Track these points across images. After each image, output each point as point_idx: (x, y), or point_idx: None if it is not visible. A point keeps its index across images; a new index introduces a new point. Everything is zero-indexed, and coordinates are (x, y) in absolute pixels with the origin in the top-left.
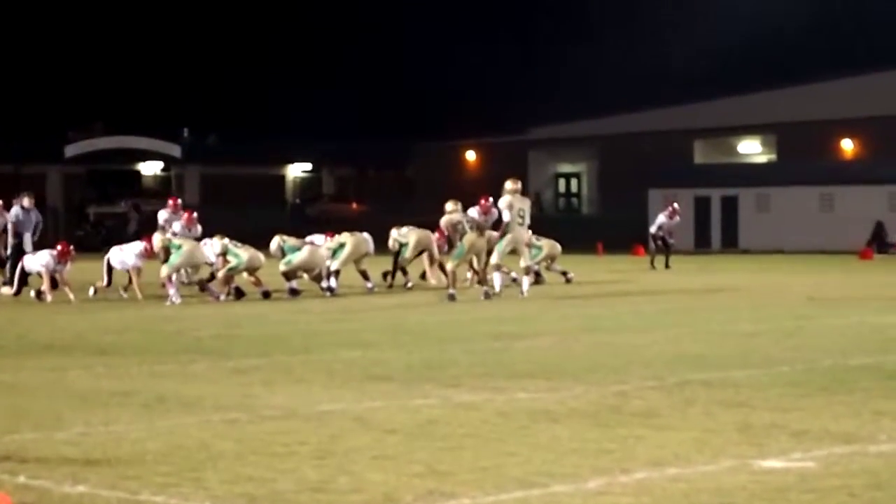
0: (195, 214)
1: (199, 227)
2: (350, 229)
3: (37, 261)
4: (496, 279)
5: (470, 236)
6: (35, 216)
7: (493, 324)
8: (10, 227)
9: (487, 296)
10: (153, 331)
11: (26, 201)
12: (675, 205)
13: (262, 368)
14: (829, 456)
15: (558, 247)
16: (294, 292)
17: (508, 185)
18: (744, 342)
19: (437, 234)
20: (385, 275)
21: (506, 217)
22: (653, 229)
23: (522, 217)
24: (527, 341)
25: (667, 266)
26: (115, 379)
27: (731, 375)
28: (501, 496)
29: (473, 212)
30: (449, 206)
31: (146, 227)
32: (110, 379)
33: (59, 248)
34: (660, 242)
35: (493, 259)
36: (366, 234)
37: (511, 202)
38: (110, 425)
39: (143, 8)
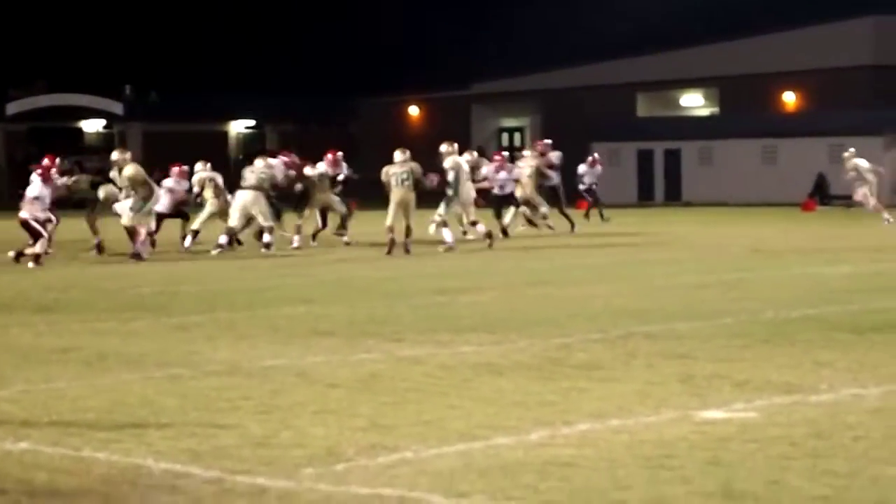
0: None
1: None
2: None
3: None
4: (446, 234)
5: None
6: None
7: (438, 279)
8: None
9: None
10: (95, 288)
11: None
12: (596, 155)
13: (204, 325)
14: (771, 406)
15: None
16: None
17: (445, 147)
18: (687, 295)
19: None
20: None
21: (451, 176)
22: (582, 186)
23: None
24: (471, 295)
25: (602, 218)
26: (56, 336)
27: (673, 327)
28: (444, 449)
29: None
30: (398, 155)
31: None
32: (51, 336)
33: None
34: (589, 196)
35: (438, 216)
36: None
37: (457, 162)
38: (51, 382)
39: None
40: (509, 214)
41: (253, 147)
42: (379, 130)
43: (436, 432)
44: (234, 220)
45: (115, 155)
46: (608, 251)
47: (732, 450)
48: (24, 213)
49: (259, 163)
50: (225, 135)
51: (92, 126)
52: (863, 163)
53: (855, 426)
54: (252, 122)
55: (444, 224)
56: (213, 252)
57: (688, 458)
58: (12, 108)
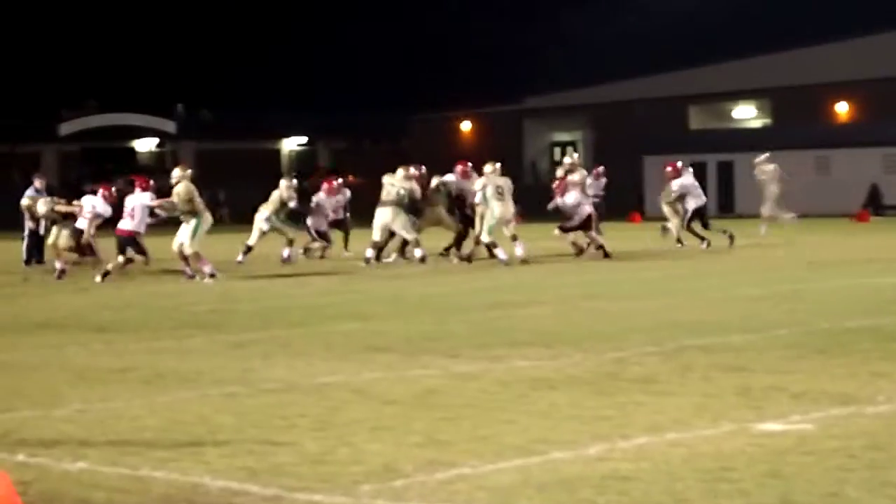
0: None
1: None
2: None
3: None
4: (499, 253)
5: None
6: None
7: (492, 293)
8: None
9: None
10: (151, 307)
11: (38, 182)
12: (601, 168)
13: (260, 342)
14: (828, 418)
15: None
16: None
17: (487, 167)
18: (741, 307)
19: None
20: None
21: (478, 198)
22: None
23: (501, 193)
24: (525, 310)
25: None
26: (112, 355)
27: (729, 340)
28: (501, 464)
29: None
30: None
31: None
32: (108, 355)
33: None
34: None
35: (483, 237)
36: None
37: (485, 182)
38: (109, 402)
39: None
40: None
41: (305, 164)
42: (431, 146)
43: (493, 448)
44: (376, 235)
45: (175, 172)
46: (661, 264)
47: (790, 462)
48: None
49: (400, 173)
50: (277, 152)
51: (144, 145)
52: None
53: None
54: (304, 140)
55: (493, 245)
56: (364, 264)
57: (746, 470)
58: (65, 128)
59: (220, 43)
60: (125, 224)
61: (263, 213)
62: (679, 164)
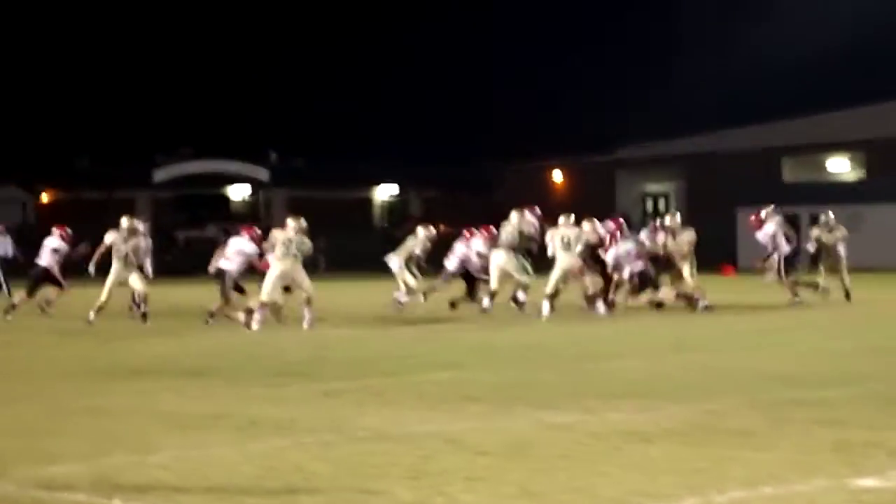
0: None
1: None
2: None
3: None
4: (544, 306)
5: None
6: (147, 241)
7: (582, 344)
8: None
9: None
10: (243, 354)
11: (141, 227)
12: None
13: (352, 391)
14: None
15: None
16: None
17: (560, 219)
18: (836, 360)
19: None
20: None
21: (549, 250)
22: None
23: (568, 244)
24: (616, 361)
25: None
26: (206, 402)
27: (824, 394)
28: None
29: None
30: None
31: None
32: (201, 402)
33: None
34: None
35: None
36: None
37: (552, 234)
38: (203, 448)
39: (231, 32)
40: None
41: (397, 214)
42: (523, 196)
43: (587, 500)
44: (493, 282)
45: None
46: (755, 316)
47: None
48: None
49: (514, 218)
50: (369, 201)
51: (238, 192)
52: None
53: None
54: (396, 188)
55: (551, 297)
56: (483, 309)
57: None
58: (160, 174)
59: (316, 90)
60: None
61: (395, 259)
62: (763, 212)
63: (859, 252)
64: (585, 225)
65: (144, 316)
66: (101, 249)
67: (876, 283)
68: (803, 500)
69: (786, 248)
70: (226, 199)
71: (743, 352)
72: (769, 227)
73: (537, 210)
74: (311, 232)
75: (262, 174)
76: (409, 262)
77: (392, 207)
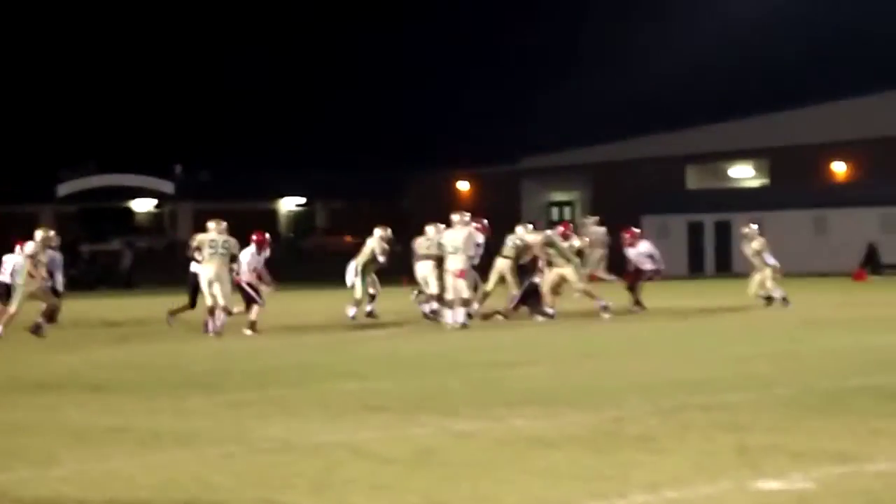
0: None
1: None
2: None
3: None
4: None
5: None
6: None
7: (488, 352)
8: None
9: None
10: (147, 366)
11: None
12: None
13: (256, 402)
14: (827, 476)
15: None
16: None
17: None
18: (740, 365)
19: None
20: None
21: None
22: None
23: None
24: (522, 368)
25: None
26: (109, 415)
27: (727, 398)
28: None
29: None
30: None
31: (139, 264)
32: (105, 415)
33: None
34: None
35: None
36: None
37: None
38: (105, 461)
39: (132, 46)
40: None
41: (303, 224)
42: (429, 206)
43: None
44: (434, 288)
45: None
46: (658, 323)
47: None
48: (243, 278)
49: (520, 230)
50: (275, 212)
51: (142, 206)
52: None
53: None
54: (302, 199)
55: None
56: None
57: None
58: (63, 189)
59: (219, 104)
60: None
61: (351, 268)
62: (637, 231)
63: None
64: (518, 229)
65: (38, 327)
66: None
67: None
68: (706, 503)
69: (650, 266)
70: (130, 213)
71: (646, 357)
72: (644, 247)
73: (485, 222)
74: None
75: (167, 187)
76: (368, 267)
77: (298, 218)
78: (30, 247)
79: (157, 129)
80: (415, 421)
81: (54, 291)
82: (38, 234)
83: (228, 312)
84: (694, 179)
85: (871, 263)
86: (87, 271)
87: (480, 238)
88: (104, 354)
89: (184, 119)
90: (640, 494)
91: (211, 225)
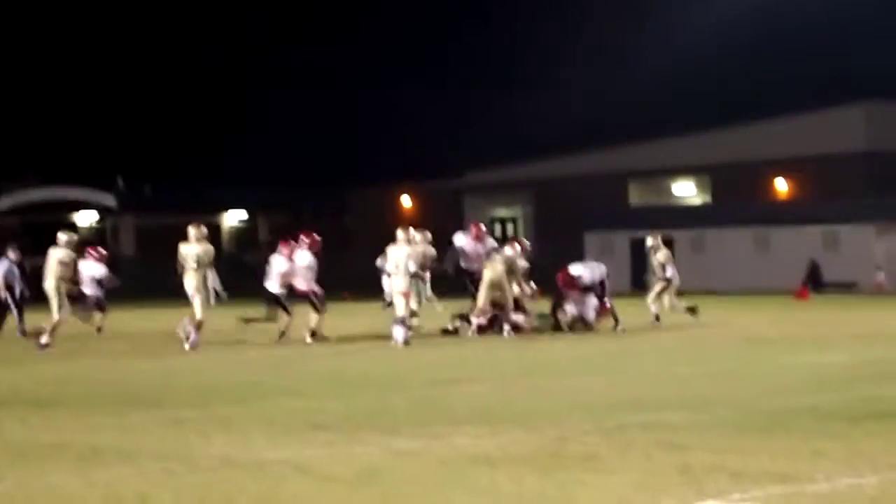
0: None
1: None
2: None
3: None
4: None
5: None
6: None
7: (432, 370)
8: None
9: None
10: (89, 382)
11: (12, 254)
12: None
13: (199, 419)
14: (769, 497)
15: None
16: None
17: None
18: (681, 384)
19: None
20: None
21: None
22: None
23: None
24: (465, 386)
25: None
26: (50, 431)
27: (669, 418)
28: None
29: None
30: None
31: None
32: (46, 431)
33: None
34: None
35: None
36: None
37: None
38: (46, 477)
39: (73, 59)
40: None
41: (245, 239)
42: (372, 221)
43: None
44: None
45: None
46: (600, 341)
47: None
48: (300, 285)
49: (508, 251)
50: (217, 227)
51: (84, 219)
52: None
53: None
54: (244, 214)
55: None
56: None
57: None
58: (4, 202)
59: (162, 118)
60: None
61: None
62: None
63: (703, 275)
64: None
65: None
66: None
67: (719, 307)
68: None
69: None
70: (72, 226)
71: (589, 376)
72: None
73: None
74: (159, 259)
75: (109, 200)
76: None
77: (240, 233)
78: None
79: (98, 143)
80: (358, 439)
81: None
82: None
83: (198, 327)
84: (636, 196)
85: (813, 281)
86: (28, 285)
87: (431, 251)
88: (47, 370)
89: (126, 132)
90: None
91: (191, 231)
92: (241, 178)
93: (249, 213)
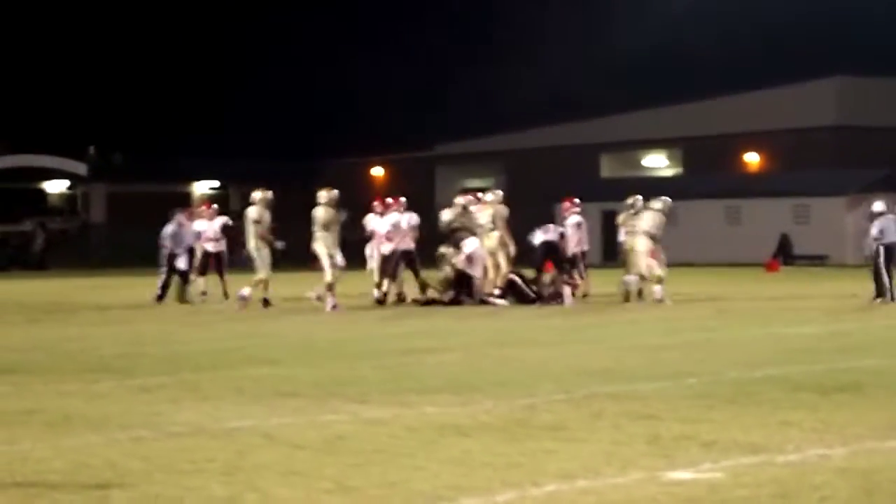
0: None
1: None
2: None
3: None
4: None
5: None
6: None
7: (402, 339)
8: None
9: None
10: (58, 350)
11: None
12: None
13: (168, 386)
14: (738, 466)
15: None
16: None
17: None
18: (651, 355)
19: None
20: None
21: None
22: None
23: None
24: (436, 356)
25: None
26: (19, 398)
27: (639, 388)
28: None
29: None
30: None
31: (52, 246)
32: (14, 398)
33: None
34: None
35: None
36: None
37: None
38: (14, 444)
39: (45, 25)
40: None
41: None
42: (343, 192)
43: (402, 494)
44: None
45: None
46: (572, 311)
47: None
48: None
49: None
50: (189, 196)
51: (55, 187)
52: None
53: (821, 486)
54: (216, 183)
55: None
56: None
57: None
58: None
59: (134, 86)
60: None
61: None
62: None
63: (675, 248)
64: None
65: None
66: None
67: (691, 279)
68: (618, 492)
69: None
70: (43, 194)
71: (559, 347)
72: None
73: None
74: (130, 227)
75: (81, 169)
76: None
77: (211, 202)
78: None
79: (69, 110)
80: (327, 407)
81: None
82: None
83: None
84: (608, 168)
85: (784, 254)
86: None
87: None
88: (15, 336)
89: (97, 100)
90: (553, 483)
91: (321, 195)
92: (213, 149)
93: (221, 182)
